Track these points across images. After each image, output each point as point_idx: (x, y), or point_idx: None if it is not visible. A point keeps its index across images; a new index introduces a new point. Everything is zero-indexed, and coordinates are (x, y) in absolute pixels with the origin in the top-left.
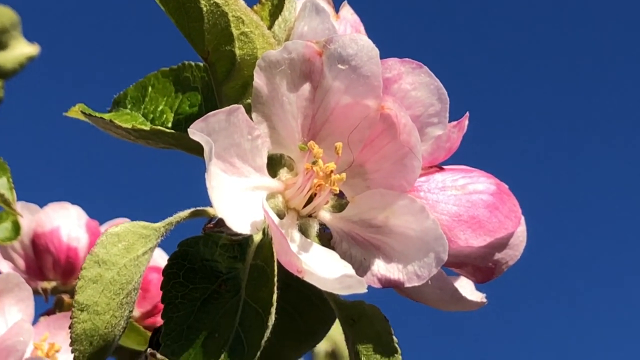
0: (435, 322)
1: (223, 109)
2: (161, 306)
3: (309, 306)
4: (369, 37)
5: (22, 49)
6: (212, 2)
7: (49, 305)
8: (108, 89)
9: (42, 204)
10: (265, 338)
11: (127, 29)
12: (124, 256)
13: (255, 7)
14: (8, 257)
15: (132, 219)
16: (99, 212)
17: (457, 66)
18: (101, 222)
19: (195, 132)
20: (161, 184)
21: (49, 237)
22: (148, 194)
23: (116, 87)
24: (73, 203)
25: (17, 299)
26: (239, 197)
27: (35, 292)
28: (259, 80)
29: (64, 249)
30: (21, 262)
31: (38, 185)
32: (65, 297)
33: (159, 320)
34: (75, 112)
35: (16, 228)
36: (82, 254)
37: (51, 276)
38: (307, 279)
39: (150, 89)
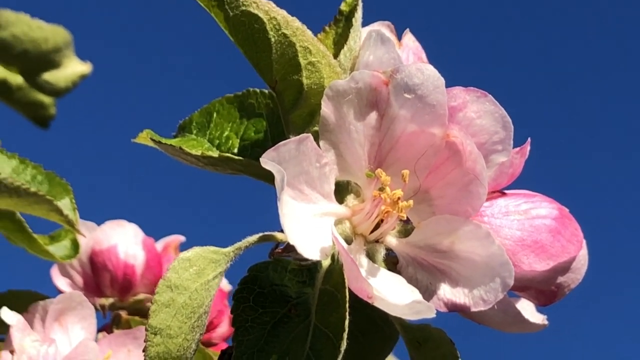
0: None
1: (293, 139)
2: (215, 323)
3: (373, 328)
4: (431, 62)
5: (74, 68)
6: (280, 33)
7: (106, 320)
8: (160, 110)
9: (98, 222)
10: None
11: (186, 52)
12: (195, 281)
13: (319, 36)
14: (66, 274)
15: (191, 239)
16: (156, 231)
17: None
18: (157, 240)
19: (266, 161)
20: (221, 208)
21: (107, 254)
22: (207, 215)
23: (169, 109)
24: (130, 221)
25: (79, 317)
26: (309, 223)
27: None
28: (326, 109)
29: (121, 266)
30: (79, 279)
31: (94, 203)
32: (123, 314)
33: (213, 336)
34: (144, 138)
35: (75, 246)
36: (138, 271)
37: (109, 293)
38: (377, 304)
39: (215, 114)
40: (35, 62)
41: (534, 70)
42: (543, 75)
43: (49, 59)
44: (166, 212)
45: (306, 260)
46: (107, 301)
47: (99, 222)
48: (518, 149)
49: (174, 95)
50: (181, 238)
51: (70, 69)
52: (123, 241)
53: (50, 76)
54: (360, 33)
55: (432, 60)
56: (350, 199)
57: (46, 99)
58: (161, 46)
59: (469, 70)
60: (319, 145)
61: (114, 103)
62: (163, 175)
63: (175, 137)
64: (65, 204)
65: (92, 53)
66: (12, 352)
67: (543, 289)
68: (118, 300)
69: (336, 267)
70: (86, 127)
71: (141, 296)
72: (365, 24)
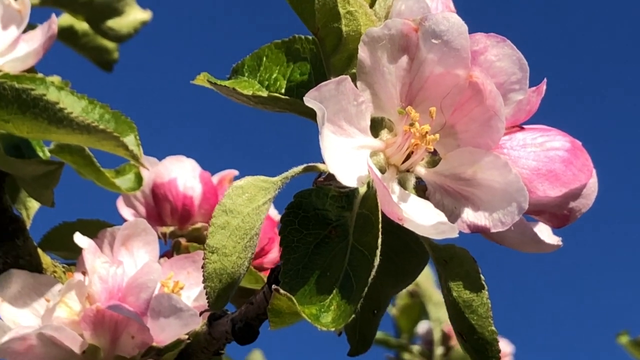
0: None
1: (333, 80)
2: (266, 249)
3: (405, 249)
4: (457, 10)
5: (135, 15)
6: None
7: (167, 247)
8: (214, 55)
9: (160, 158)
10: (371, 277)
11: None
12: (247, 206)
13: None
14: (130, 205)
15: (244, 172)
16: (212, 166)
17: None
18: (212, 174)
19: (310, 99)
20: (269, 142)
21: (167, 187)
22: (257, 150)
23: (222, 53)
24: (188, 156)
25: (144, 242)
26: (347, 155)
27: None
28: (362, 53)
29: (180, 197)
30: (142, 210)
31: (155, 140)
32: (182, 241)
33: (264, 262)
34: (201, 80)
35: (138, 179)
36: (196, 202)
37: (169, 222)
38: (407, 225)
39: (264, 59)
40: (99, 10)
41: (551, 14)
42: (560, 18)
43: (113, 7)
44: (221, 148)
45: (345, 187)
46: (168, 229)
47: (160, 158)
48: (535, 87)
49: (227, 41)
50: (234, 172)
51: (132, 16)
52: (182, 175)
53: (113, 23)
54: None
55: (458, 7)
56: (384, 133)
57: (110, 44)
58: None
59: (490, 15)
60: (356, 86)
61: (172, 48)
62: (217, 115)
63: (229, 79)
64: (130, 140)
65: (152, 1)
66: (83, 273)
67: (556, 213)
68: (178, 228)
69: (371, 193)
70: (147, 70)
71: (199, 225)
72: None
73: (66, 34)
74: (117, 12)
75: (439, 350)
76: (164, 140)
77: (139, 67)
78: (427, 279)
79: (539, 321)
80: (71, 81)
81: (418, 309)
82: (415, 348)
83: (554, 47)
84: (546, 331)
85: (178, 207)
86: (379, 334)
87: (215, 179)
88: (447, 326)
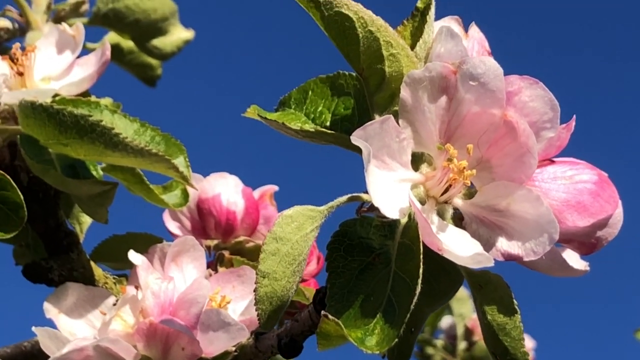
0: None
1: (378, 120)
2: None
3: (442, 273)
4: (492, 49)
5: (179, 34)
6: (367, 29)
7: (210, 259)
8: (256, 81)
9: (204, 174)
10: (413, 303)
11: (285, 38)
12: (296, 233)
13: (398, 28)
14: (177, 219)
15: (288, 199)
16: (253, 182)
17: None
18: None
19: (356, 138)
20: (315, 172)
21: (212, 202)
22: (301, 178)
23: (264, 81)
24: (231, 173)
25: (192, 258)
26: (390, 188)
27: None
28: (405, 93)
29: (224, 212)
30: (188, 223)
31: (198, 155)
32: (225, 254)
33: (303, 274)
34: (251, 113)
35: (185, 195)
36: (239, 216)
37: (213, 235)
38: (446, 255)
39: (310, 92)
40: (145, 29)
41: (582, 53)
42: (592, 56)
43: (157, 27)
44: (263, 170)
45: (387, 218)
46: (212, 242)
47: (204, 174)
48: (565, 125)
49: (266, 64)
50: (275, 187)
51: (175, 35)
52: (225, 191)
53: (158, 42)
54: (433, 27)
55: (492, 47)
56: (424, 167)
57: (154, 62)
58: (264, 28)
59: (523, 55)
60: (398, 123)
61: (212, 65)
62: (262, 134)
63: (276, 110)
64: (180, 162)
65: (195, 21)
66: (136, 287)
67: (584, 242)
68: (221, 241)
69: (412, 224)
70: (188, 87)
71: (241, 238)
72: (437, 17)
73: (113, 52)
74: (161, 32)
75: (462, 345)
76: (207, 156)
77: (181, 83)
78: None
79: (558, 317)
80: (116, 95)
81: None
82: (439, 342)
83: (586, 78)
84: (566, 326)
85: (222, 221)
86: None
87: (256, 194)
88: (470, 321)
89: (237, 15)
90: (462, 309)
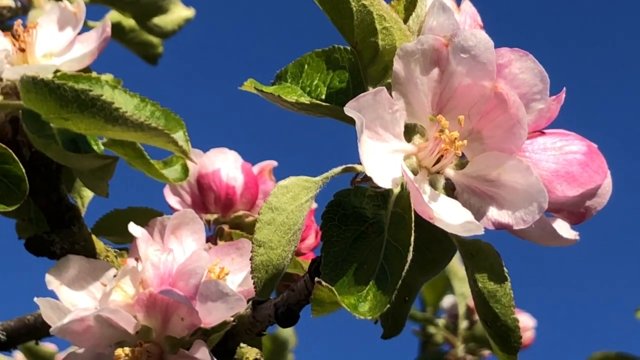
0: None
1: (370, 91)
2: (303, 236)
3: (435, 242)
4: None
5: (180, 12)
6: (360, 3)
7: (210, 233)
8: (249, 51)
9: (204, 149)
10: (404, 270)
11: (279, 10)
12: (291, 203)
13: (392, 2)
14: (177, 194)
15: (285, 170)
16: (252, 157)
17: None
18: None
19: (349, 109)
20: (309, 144)
21: (211, 177)
22: (298, 150)
23: (257, 52)
24: (230, 149)
25: (191, 231)
26: (383, 158)
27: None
28: (397, 65)
29: (223, 187)
30: (188, 198)
31: (198, 132)
32: (225, 227)
33: (302, 247)
34: (248, 86)
35: (185, 170)
36: (238, 191)
37: (213, 210)
38: (437, 223)
39: (306, 66)
40: (145, 8)
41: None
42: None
43: (158, 5)
44: (262, 144)
45: (380, 188)
46: (212, 217)
47: (204, 150)
48: (555, 96)
49: (264, 41)
50: (274, 163)
51: (176, 13)
52: (225, 166)
53: (158, 20)
54: (426, 1)
55: (484, 20)
56: (417, 139)
57: (155, 40)
58: (261, 5)
59: (514, 29)
60: (391, 95)
61: (213, 44)
62: (259, 110)
63: (272, 84)
64: (180, 136)
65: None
66: (137, 259)
67: (574, 211)
68: (221, 216)
69: (404, 193)
70: (189, 64)
71: (240, 212)
72: None
73: (114, 30)
74: (162, 10)
75: (463, 324)
76: (207, 132)
77: (182, 61)
78: None
79: (559, 296)
80: (118, 73)
81: (443, 283)
82: (441, 321)
83: (576, 50)
84: (566, 306)
85: (221, 196)
86: None
87: (255, 169)
88: (472, 301)
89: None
90: (464, 289)
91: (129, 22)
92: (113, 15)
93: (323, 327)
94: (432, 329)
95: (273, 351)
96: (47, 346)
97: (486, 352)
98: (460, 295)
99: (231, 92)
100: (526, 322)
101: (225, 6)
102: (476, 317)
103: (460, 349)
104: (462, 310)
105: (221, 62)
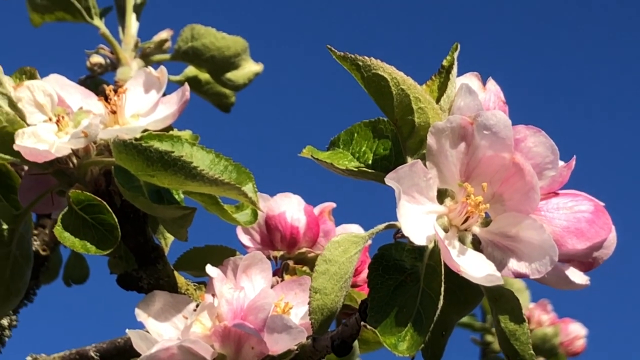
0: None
1: (407, 164)
2: (359, 270)
3: (466, 285)
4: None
5: (250, 68)
6: (399, 87)
7: (277, 267)
8: (312, 114)
9: (271, 194)
10: (436, 314)
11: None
12: (342, 256)
13: (427, 82)
14: (248, 233)
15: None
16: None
17: None
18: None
19: (389, 180)
20: (358, 203)
21: (278, 219)
22: (348, 201)
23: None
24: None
25: (260, 270)
26: (418, 219)
27: (267, 258)
28: (430, 140)
29: (288, 227)
30: (257, 237)
31: (266, 177)
32: (290, 263)
33: (358, 280)
34: (306, 153)
35: (254, 214)
36: (302, 231)
37: (279, 247)
38: (464, 275)
39: (356, 134)
40: (219, 64)
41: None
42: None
43: (230, 62)
44: (321, 188)
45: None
46: (278, 253)
47: (272, 194)
48: (566, 164)
49: (320, 102)
50: (332, 205)
51: (247, 69)
52: (290, 209)
53: (231, 75)
54: (455, 83)
55: (506, 95)
56: (447, 201)
57: (228, 91)
58: (322, 72)
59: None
60: (425, 165)
61: (278, 95)
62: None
63: (327, 149)
64: (249, 189)
65: (264, 55)
66: (213, 295)
67: (583, 261)
68: (286, 252)
69: (437, 249)
70: (259, 112)
71: (304, 249)
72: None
73: (192, 83)
74: (234, 66)
75: None
76: (274, 177)
77: (252, 109)
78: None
79: (611, 306)
80: (196, 120)
81: None
82: None
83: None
84: (618, 317)
85: (287, 235)
86: (465, 319)
87: (316, 210)
88: (527, 311)
89: (299, 56)
90: (520, 300)
91: (205, 76)
92: (191, 70)
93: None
94: (489, 338)
95: None
96: None
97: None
98: None
99: (294, 137)
100: (578, 330)
101: (290, 64)
102: (531, 326)
103: None
104: None
105: (286, 112)
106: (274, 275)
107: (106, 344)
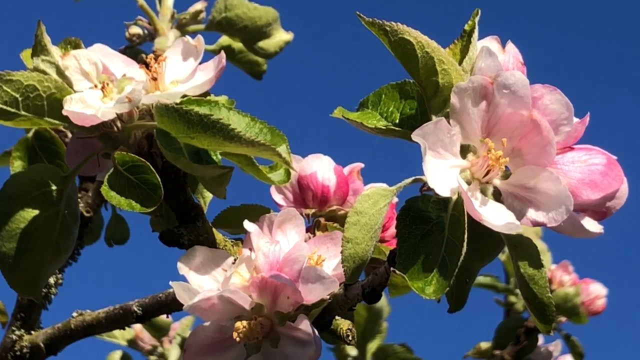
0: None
1: (432, 121)
2: (387, 226)
3: (488, 234)
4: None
5: (281, 37)
6: (424, 50)
7: (309, 224)
8: (337, 71)
9: (303, 155)
10: (460, 261)
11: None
12: (372, 208)
13: (450, 46)
14: (281, 192)
15: (371, 170)
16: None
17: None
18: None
19: (415, 136)
20: (387, 158)
21: (309, 178)
22: (377, 158)
23: (343, 73)
24: (325, 154)
25: (294, 225)
26: (443, 173)
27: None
28: (454, 99)
29: (319, 186)
30: (290, 196)
31: (298, 139)
32: (321, 220)
33: (386, 236)
34: (337, 113)
35: (287, 174)
36: (332, 190)
37: (311, 205)
38: (486, 224)
39: (384, 96)
40: (252, 34)
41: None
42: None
43: (262, 31)
44: (351, 150)
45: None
46: (310, 211)
47: (303, 155)
48: (580, 120)
49: (351, 66)
50: (361, 165)
51: (277, 38)
52: (321, 168)
53: (263, 44)
54: (476, 46)
55: (524, 57)
56: (470, 156)
57: (260, 59)
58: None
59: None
60: (449, 123)
61: (308, 62)
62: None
63: (357, 110)
64: (283, 149)
65: (294, 25)
66: (250, 249)
67: (597, 210)
68: (318, 210)
69: (460, 200)
70: (289, 79)
71: (334, 207)
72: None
73: (225, 52)
74: (266, 35)
75: None
76: (305, 138)
77: (283, 77)
78: (533, 233)
79: (633, 266)
80: (230, 87)
81: None
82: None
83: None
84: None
85: (318, 194)
86: (488, 280)
87: (346, 170)
88: (549, 272)
89: (327, 25)
90: (543, 261)
91: (238, 45)
92: (224, 40)
93: (415, 298)
94: (512, 298)
95: (369, 319)
96: (164, 318)
97: (563, 319)
98: None
99: (323, 102)
100: (599, 290)
101: (319, 32)
102: (553, 286)
103: None
104: None
105: (315, 78)
106: (306, 231)
107: (148, 299)
